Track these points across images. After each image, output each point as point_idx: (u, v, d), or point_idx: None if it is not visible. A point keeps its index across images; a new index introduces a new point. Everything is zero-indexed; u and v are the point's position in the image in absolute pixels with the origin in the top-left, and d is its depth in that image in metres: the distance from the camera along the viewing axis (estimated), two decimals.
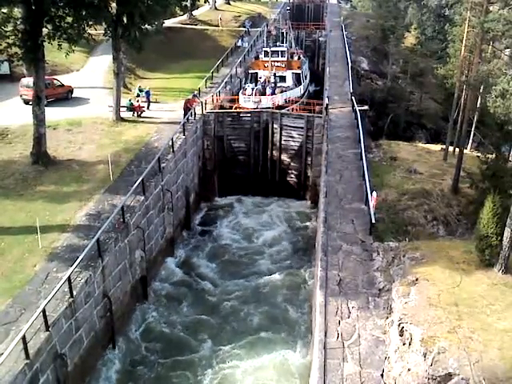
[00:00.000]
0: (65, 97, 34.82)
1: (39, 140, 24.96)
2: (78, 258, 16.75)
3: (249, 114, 33.95)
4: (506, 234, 15.94)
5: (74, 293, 16.27)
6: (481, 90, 29.11)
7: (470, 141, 35.10)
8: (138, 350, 19.71)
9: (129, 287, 21.15)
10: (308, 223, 29.73)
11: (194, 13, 63.78)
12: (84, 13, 24.73)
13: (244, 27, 59.19)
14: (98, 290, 18.18)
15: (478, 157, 25.43)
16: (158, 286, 23.68)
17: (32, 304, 15.60)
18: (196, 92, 34.65)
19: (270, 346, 19.73)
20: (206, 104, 33.32)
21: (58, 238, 19.19)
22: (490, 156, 24.89)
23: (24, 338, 13.54)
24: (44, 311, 14.49)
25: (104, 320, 18.73)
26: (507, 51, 30.79)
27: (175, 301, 22.75)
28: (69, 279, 15.92)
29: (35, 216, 19.61)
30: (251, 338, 20.25)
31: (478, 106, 31.62)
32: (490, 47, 30.47)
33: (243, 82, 42.55)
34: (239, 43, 52.19)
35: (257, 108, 34.96)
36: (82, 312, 16.88)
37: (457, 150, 28.20)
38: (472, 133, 34.74)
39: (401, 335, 14.44)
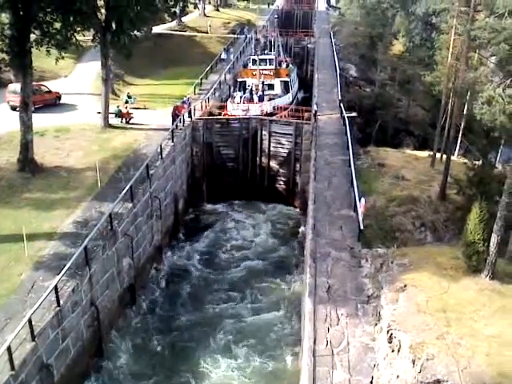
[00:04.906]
0: (52, 103, 34.61)
1: (26, 146, 24.72)
2: (65, 266, 16.59)
3: (237, 121, 33.98)
4: (493, 240, 16.08)
5: (61, 302, 16.10)
6: (467, 97, 29.40)
7: (457, 147, 35.37)
8: (126, 358, 19.49)
9: (116, 295, 20.97)
10: (296, 230, 29.71)
11: (183, 19, 63.84)
12: (72, 19, 24.65)
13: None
14: (86, 299, 18.00)
15: (465, 163, 25.66)
16: (146, 293, 23.49)
17: (18, 313, 15.40)
18: (185, 98, 34.61)
19: (259, 354, 19.65)
20: (194, 111, 33.29)
21: (45, 246, 18.99)
22: (476, 162, 25.12)
23: (9, 348, 13.35)
24: (30, 321, 14.30)
25: (91, 329, 18.54)
26: (493, 59, 31.10)
27: (163, 308, 22.61)
28: (55, 288, 15.75)
29: (21, 224, 19.37)
30: (241, 345, 20.15)
31: (465, 112, 31.91)
32: (476, 55, 30.76)
33: (232, 90, 42.61)
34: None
35: (245, 115, 35.02)
36: (68, 321, 16.69)
37: (444, 156, 28.40)
38: (459, 139, 35.02)
39: (389, 342, 14.47)
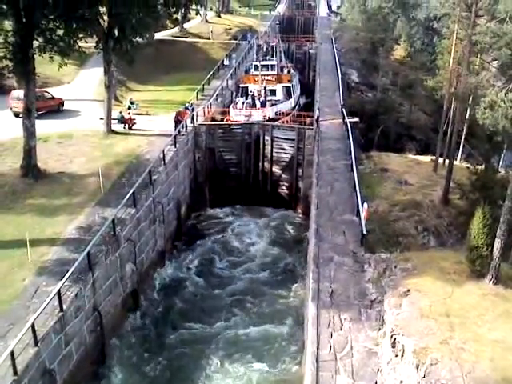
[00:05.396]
0: (56, 109, 34.71)
1: (29, 153, 24.79)
2: (68, 271, 16.60)
3: (240, 126, 34.08)
4: (497, 244, 16.03)
5: (64, 307, 16.09)
6: (469, 102, 29.44)
7: (460, 152, 35.38)
8: (128, 366, 19.44)
9: (119, 300, 20.96)
10: (299, 235, 29.67)
11: (185, 25, 64.10)
12: (75, 26, 24.76)
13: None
14: (89, 304, 18.00)
15: (468, 168, 25.66)
16: (149, 299, 23.47)
17: (21, 319, 15.38)
18: (188, 104, 34.71)
19: (262, 359, 19.57)
20: (197, 116, 33.38)
21: (48, 252, 19.00)
22: (479, 167, 25.11)
23: (12, 353, 13.34)
24: (33, 326, 14.30)
25: (94, 334, 18.52)
26: (495, 63, 31.19)
27: (166, 315, 22.54)
28: (58, 293, 15.76)
29: (25, 229, 19.42)
30: (243, 351, 20.07)
31: (467, 117, 31.93)
32: (478, 59, 30.85)
33: (234, 96, 42.74)
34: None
35: (248, 121, 35.10)
36: (71, 326, 16.68)
37: (447, 161, 28.40)
38: (461, 144, 35.05)
39: (393, 347, 14.41)
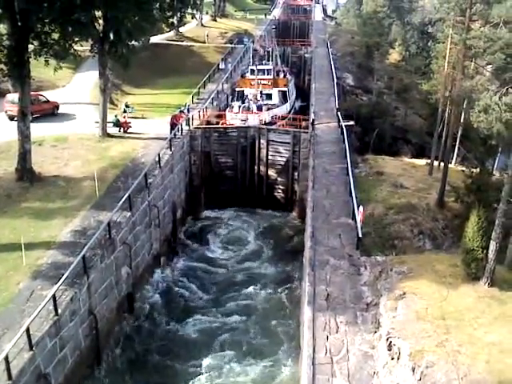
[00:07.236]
0: (50, 113, 34.59)
1: (24, 156, 24.71)
2: (63, 275, 16.53)
3: (235, 130, 34.10)
4: (492, 247, 16.10)
5: (59, 311, 16.03)
6: (464, 106, 29.58)
7: (455, 155, 35.52)
8: (124, 368, 19.37)
9: (115, 304, 20.89)
10: (294, 237, 29.68)
11: (181, 29, 64.14)
12: (70, 29, 24.73)
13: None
14: (84, 308, 17.93)
15: (463, 171, 25.75)
16: (144, 302, 23.39)
17: (16, 323, 15.31)
18: (183, 108, 34.70)
19: (257, 363, 19.54)
20: (192, 120, 33.36)
21: (43, 255, 18.92)
22: (474, 170, 25.20)
23: (7, 358, 13.27)
24: (28, 330, 14.23)
25: (89, 338, 18.44)
26: (489, 67, 31.37)
27: (161, 317, 22.50)
28: (54, 297, 15.70)
29: (20, 233, 19.37)
30: (239, 355, 20.06)
31: (462, 121, 32.09)
32: (473, 63, 30.98)
33: (230, 99, 42.79)
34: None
35: (244, 125, 35.14)
36: (66, 330, 16.61)
37: (442, 164, 28.49)
38: (456, 147, 35.20)
39: (389, 350, 14.43)
